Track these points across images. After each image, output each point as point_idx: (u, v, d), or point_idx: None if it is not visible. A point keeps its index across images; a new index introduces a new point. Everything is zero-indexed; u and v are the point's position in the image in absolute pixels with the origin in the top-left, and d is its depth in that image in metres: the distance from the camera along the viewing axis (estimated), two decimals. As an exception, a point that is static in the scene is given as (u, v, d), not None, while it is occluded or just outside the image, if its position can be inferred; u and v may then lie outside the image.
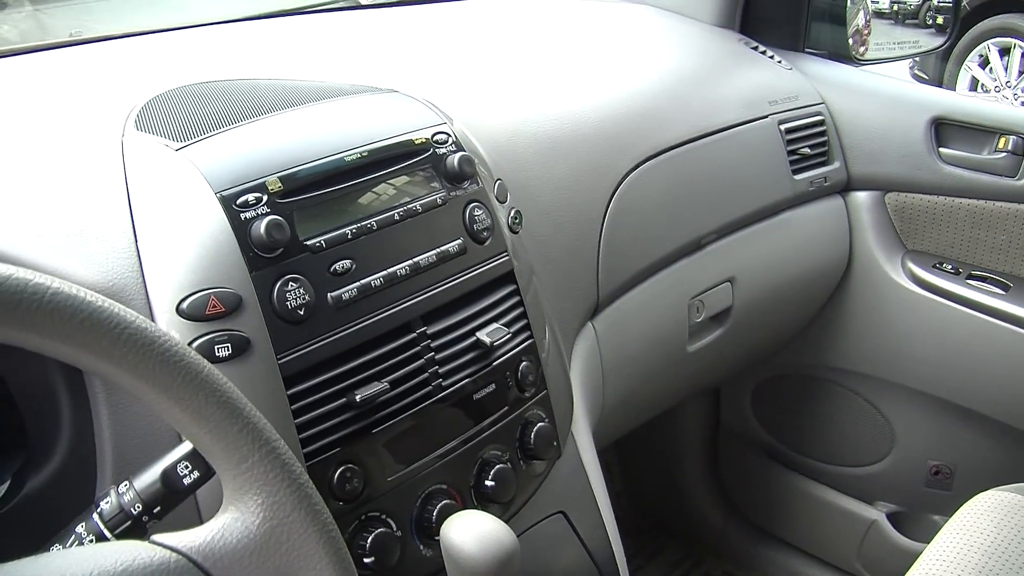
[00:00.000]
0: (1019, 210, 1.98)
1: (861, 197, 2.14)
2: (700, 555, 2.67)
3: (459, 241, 1.21)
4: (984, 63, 6.93)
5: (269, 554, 0.72)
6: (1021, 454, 2.07)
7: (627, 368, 1.69)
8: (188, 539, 0.71)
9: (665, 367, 1.85)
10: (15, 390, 0.98)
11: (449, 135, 1.26)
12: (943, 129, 2.05)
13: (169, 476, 0.80)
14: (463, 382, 1.19)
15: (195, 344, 0.98)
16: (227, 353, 0.98)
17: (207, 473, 0.81)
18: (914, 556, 1.41)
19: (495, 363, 1.23)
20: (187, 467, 0.80)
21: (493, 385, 1.22)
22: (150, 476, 0.80)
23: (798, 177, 2.02)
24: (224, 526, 0.72)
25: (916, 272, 2.08)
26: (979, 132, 2.02)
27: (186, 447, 0.81)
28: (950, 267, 2.08)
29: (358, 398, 1.06)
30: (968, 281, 2.05)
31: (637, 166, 1.67)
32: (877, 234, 2.12)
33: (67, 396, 0.96)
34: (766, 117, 1.99)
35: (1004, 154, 1.98)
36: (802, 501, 2.48)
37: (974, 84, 6.96)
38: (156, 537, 0.71)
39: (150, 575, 0.67)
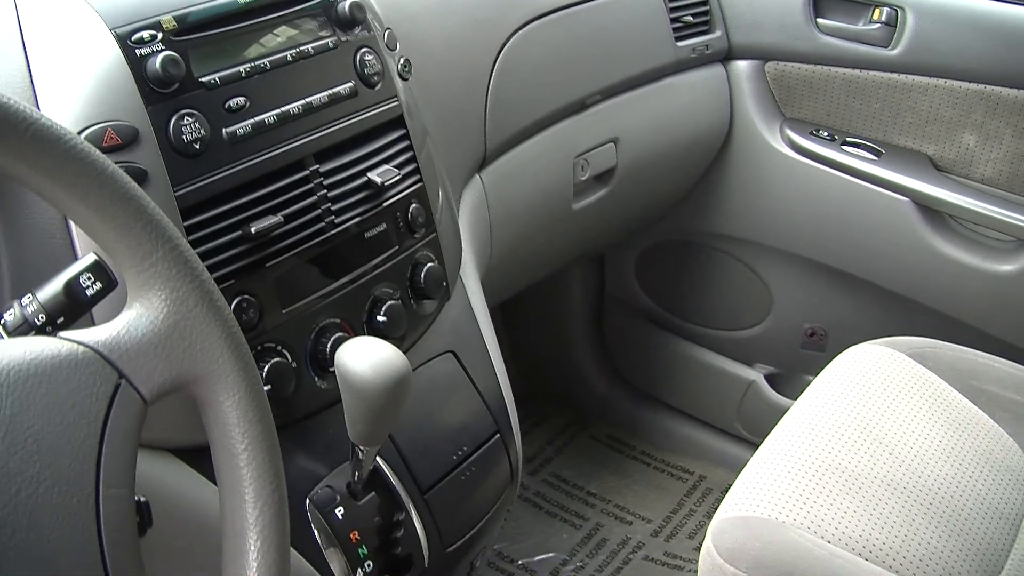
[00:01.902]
0: (892, 79, 2.04)
1: (742, 66, 2.18)
2: (585, 420, 2.73)
3: (350, 84, 1.24)
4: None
5: (173, 347, 0.75)
6: (890, 314, 2.16)
7: (514, 221, 1.74)
8: (95, 334, 0.73)
9: (551, 223, 1.90)
10: None
11: None
12: (821, 0, 2.10)
13: (72, 287, 0.81)
14: (354, 220, 1.23)
15: None
16: None
17: (109, 284, 0.83)
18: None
19: (385, 204, 1.27)
20: (90, 278, 0.82)
21: (384, 225, 1.26)
22: (53, 288, 0.82)
23: (680, 44, 2.06)
24: (129, 321, 0.74)
25: (794, 139, 2.13)
26: (855, 3, 2.06)
27: (89, 259, 0.83)
28: (826, 134, 2.13)
29: (253, 230, 1.09)
30: (843, 148, 2.10)
31: (523, 25, 1.70)
32: (756, 102, 2.17)
33: None
34: (649, -17, 2.01)
35: (878, 25, 2.02)
36: (684, 364, 2.56)
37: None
38: (63, 333, 0.73)
39: (57, 365, 0.69)
